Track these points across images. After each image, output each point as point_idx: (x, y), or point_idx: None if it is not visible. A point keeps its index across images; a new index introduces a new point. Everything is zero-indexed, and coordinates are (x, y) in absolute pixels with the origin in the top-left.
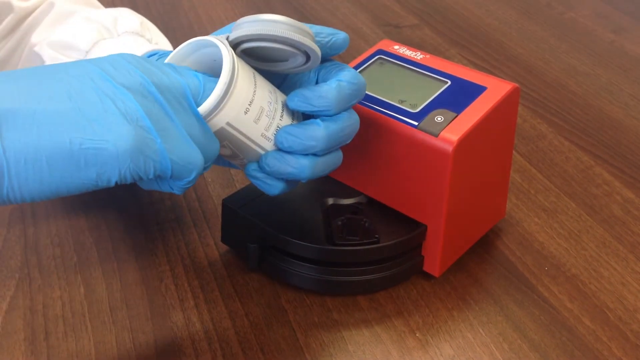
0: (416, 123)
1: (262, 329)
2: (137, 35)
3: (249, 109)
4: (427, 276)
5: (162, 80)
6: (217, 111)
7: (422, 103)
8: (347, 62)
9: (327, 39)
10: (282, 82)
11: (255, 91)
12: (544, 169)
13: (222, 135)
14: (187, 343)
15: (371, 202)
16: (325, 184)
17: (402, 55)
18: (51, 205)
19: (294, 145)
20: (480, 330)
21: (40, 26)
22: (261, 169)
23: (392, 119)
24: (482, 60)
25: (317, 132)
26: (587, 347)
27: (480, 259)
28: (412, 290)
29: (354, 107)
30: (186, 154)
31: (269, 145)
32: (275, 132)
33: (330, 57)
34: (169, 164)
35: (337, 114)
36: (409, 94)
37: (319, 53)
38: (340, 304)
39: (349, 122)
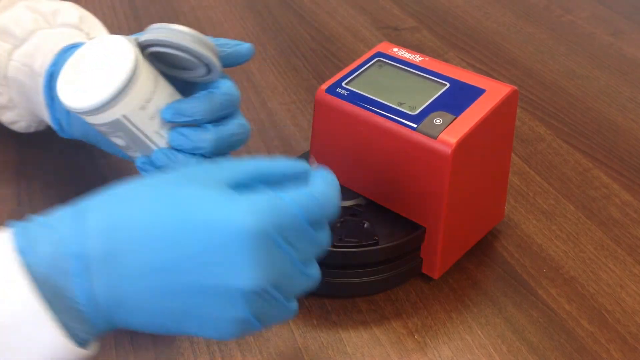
0: (415, 125)
1: (261, 330)
2: (74, 29)
3: (145, 106)
4: (426, 278)
5: None
6: (114, 102)
7: (421, 105)
8: (347, 65)
9: (231, 49)
10: (185, 88)
11: (154, 91)
12: (543, 171)
13: (117, 126)
14: (186, 345)
15: (370, 204)
16: None
17: (401, 58)
18: (50, 206)
19: (184, 145)
20: (479, 333)
21: None
22: (151, 163)
23: (391, 121)
24: (480, 63)
25: (207, 135)
26: (586, 349)
27: (479, 261)
28: (410, 292)
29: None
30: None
31: (162, 142)
32: (168, 131)
33: (237, 65)
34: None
35: (214, 121)
36: (407, 97)
37: (218, 66)
38: (339, 306)
39: (239, 130)
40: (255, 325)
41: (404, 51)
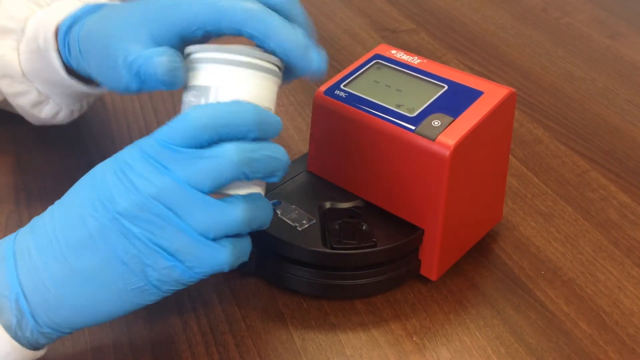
0: (413, 127)
1: (260, 332)
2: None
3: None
4: (424, 280)
5: (163, 190)
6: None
7: (419, 107)
8: (345, 67)
9: None
10: None
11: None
12: (541, 173)
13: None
14: (185, 347)
15: (368, 205)
16: (323, 187)
17: (399, 60)
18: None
19: None
20: (477, 334)
21: None
22: None
23: (389, 123)
24: (478, 65)
25: None
26: (584, 351)
27: (477, 263)
28: (409, 294)
29: None
30: (207, 260)
31: None
32: None
33: None
34: (198, 276)
35: None
36: (406, 99)
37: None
38: (337, 307)
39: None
40: (177, 265)
41: (402, 53)
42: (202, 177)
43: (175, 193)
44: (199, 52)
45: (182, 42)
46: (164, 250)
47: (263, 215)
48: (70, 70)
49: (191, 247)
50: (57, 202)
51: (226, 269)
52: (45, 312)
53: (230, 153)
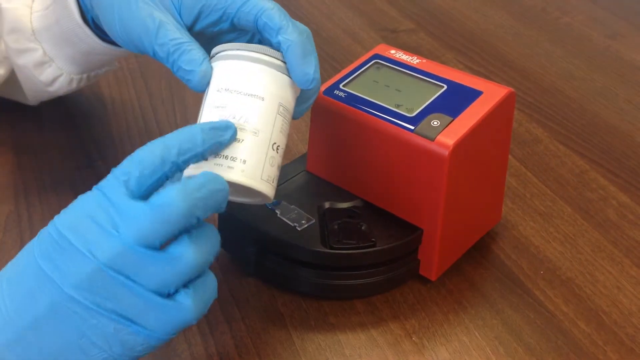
0: (412, 127)
1: (259, 333)
2: None
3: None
4: (423, 280)
5: (112, 255)
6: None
7: (419, 107)
8: (344, 67)
9: None
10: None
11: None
12: (540, 173)
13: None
14: (184, 347)
15: (367, 205)
16: (322, 187)
17: (398, 60)
18: (47, 208)
19: None
20: (476, 334)
21: None
22: None
23: (388, 123)
24: (478, 65)
25: None
26: (582, 351)
27: (476, 263)
28: (408, 294)
29: None
30: (169, 320)
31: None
32: None
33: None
34: (166, 337)
35: None
36: (405, 98)
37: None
38: (336, 307)
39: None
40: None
41: (401, 53)
42: (151, 235)
43: (126, 257)
44: (221, 52)
45: (196, 18)
46: (122, 317)
47: (215, 245)
48: (85, 20)
49: (149, 308)
50: (2, 275)
51: (194, 322)
52: None
53: (177, 204)
